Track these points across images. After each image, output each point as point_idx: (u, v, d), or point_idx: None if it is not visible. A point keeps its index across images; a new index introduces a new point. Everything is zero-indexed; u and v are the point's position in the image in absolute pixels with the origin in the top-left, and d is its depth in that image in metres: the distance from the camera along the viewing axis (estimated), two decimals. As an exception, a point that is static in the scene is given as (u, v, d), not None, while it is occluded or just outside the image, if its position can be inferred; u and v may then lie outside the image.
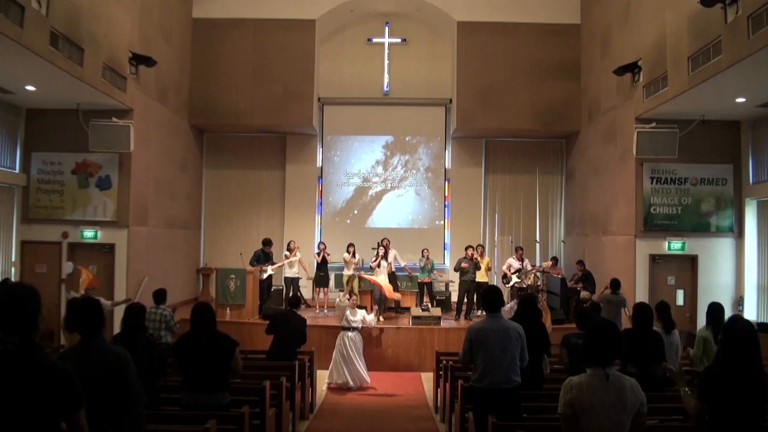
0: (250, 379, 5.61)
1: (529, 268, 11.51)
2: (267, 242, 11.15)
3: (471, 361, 4.53)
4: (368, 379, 8.54)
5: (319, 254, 11.68)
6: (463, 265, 10.81)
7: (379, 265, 10.77)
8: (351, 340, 8.43)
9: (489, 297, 4.62)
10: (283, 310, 7.65)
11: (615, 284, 8.73)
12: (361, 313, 8.59)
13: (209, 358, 4.39)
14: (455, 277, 11.69)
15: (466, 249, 10.97)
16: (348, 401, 8.01)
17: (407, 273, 11.71)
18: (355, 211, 14.10)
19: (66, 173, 10.02)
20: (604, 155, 11.43)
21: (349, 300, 8.65)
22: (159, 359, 4.79)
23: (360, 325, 8.54)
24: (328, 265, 11.67)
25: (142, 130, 10.20)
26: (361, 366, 8.45)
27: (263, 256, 10.93)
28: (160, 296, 7.24)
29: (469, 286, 10.81)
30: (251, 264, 10.73)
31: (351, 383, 8.36)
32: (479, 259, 11.17)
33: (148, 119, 10.65)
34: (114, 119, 9.32)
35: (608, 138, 11.20)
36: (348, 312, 8.46)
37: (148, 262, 10.74)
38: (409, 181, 14.11)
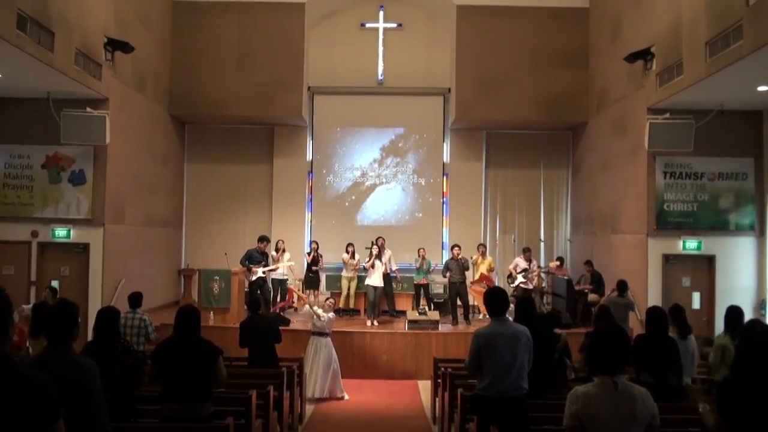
0: (235, 388, 5.55)
1: (535, 268, 11.50)
2: (263, 239, 11.07)
3: (479, 369, 4.51)
4: (340, 394, 8.37)
5: (309, 254, 11.62)
6: (444, 273, 10.84)
7: (373, 266, 10.72)
8: (316, 347, 8.31)
9: (494, 299, 4.60)
10: (247, 318, 7.52)
11: (622, 286, 8.70)
12: (324, 315, 8.35)
13: (191, 366, 4.36)
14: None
15: (452, 248, 10.99)
16: (340, 412, 7.97)
17: (396, 276, 11.63)
18: (348, 208, 14.06)
19: (36, 167, 9.91)
20: (613, 148, 11.43)
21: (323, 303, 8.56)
22: (135, 367, 4.74)
23: (327, 330, 8.39)
24: (323, 266, 11.62)
25: (118, 120, 10.11)
26: (328, 376, 8.23)
27: (258, 255, 10.85)
28: (136, 300, 7.16)
29: (458, 288, 10.79)
30: (241, 263, 10.67)
31: (317, 394, 8.18)
32: (480, 258, 11.16)
33: (125, 109, 10.57)
34: (88, 109, 9.24)
35: (618, 130, 11.19)
36: (314, 314, 8.36)
37: (126, 262, 10.67)
38: (405, 177, 14.09)
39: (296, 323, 10.40)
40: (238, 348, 8.77)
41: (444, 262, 11.06)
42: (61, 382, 2.84)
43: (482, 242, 12.39)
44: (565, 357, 5.92)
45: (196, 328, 4.51)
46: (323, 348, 8.32)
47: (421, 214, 14.05)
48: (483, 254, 11.48)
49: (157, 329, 7.35)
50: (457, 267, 10.80)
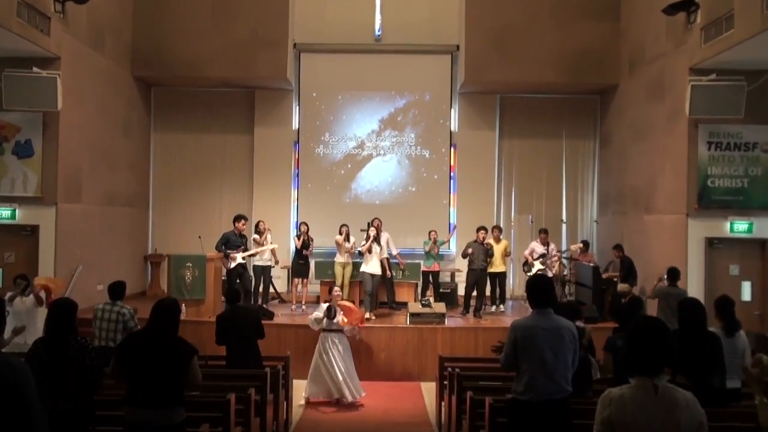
0: (211, 391, 5.57)
1: (554, 253, 11.47)
2: (239, 218, 11.03)
3: (514, 366, 4.53)
4: (360, 393, 8.51)
5: (299, 237, 11.53)
6: (469, 251, 10.94)
7: (370, 250, 10.68)
8: (332, 343, 8.37)
9: (537, 288, 4.60)
10: (224, 311, 7.54)
11: (673, 274, 8.69)
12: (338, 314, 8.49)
13: (162, 366, 4.36)
14: (463, 265, 11.67)
15: (478, 231, 10.99)
16: (331, 418, 8.00)
17: (399, 263, 11.64)
18: (340, 185, 14.01)
19: (-27, 137, 9.86)
20: (648, 115, 11.37)
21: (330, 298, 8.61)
22: (93, 368, 4.71)
23: (341, 326, 8.48)
24: (313, 252, 11.57)
25: (72, 83, 10.04)
26: (350, 374, 8.42)
27: (236, 239, 10.84)
28: (117, 290, 7.14)
29: (478, 276, 10.86)
30: (217, 248, 10.65)
31: (336, 395, 8.32)
32: (492, 243, 11.12)
33: (79, 70, 10.49)
34: (35, 69, 9.19)
35: (654, 93, 11.12)
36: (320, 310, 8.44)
37: (83, 247, 10.65)
38: (407, 148, 14.02)
39: (281, 317, 10.40)
40: (215, 345, 8.81)
41: (466, 245, 11.08)
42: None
43: (498, 224, 12.39)
44: (590, 354, 5.92)
45: (174, 326, 4.53)
46: (339, 345, 8.44)
47: (424, 192, 14.00)
48: (497, 238, 11.46)
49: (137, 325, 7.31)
50: (481, 252, 10.77)
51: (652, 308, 9.43)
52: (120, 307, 7.06)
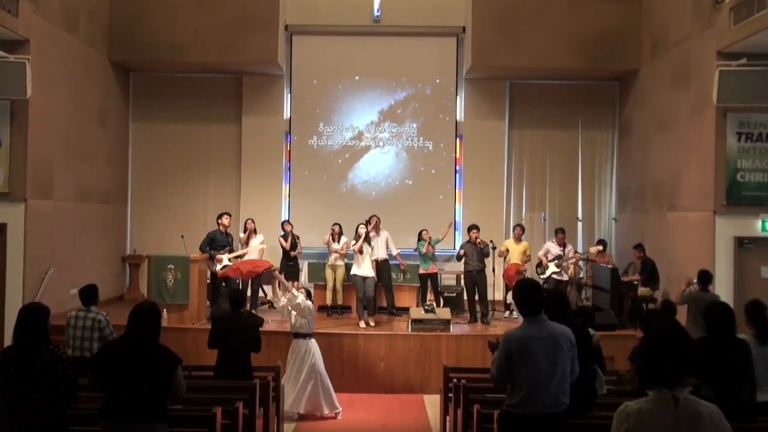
0: (196, 405, 5.57)
1: (571, 255, 11.47)
2: (222, 214, 11.13)
3: (508, 379, 4.53)
4: (330, 410, 8.40)
5: (285, 237, 11.58)
6: (461, 252, 11.03)
7: (361, 251, 10.68)
8: (297, 351, 8.33)
9: (527, 294, 4.60)
10: (224, 314, 7.56)
11: (705, 277, 8.63)
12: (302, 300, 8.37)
13: (143, 377, 4.36)
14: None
15: (469, 230, 11.09)
16: (327, 433, 7.99)
17: (399, 264, 11.68)
18: (336, 180, 14.02)
19: (-65, 127, 9.86)
20: (672, 103, 11.38)
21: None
22: (67, 380, 4.69)
23: (309, 327, 8.39)
24: (301, 252, 11.59)
25: (43, 68, 10.03)
26: (308, 386, 8.27)
27: (222, 238, 10.82)
28: (89, 295, 7.12)
29: (475, 278, 10.91)
30: (202, 249, 10.65)
31: (299, 409, 8.23)
32: (513, 243, 11.16)
33: (51, 54, 10.49)
34: (2, 54, 9.16)
35: (679, 79, 11.13)
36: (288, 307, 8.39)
37: (55, 247, 10.66)
38: (407, 140, 14.02)
39: (271, 323, 10.40)
40: (199, 354, 8.82)
41: (460, 246, 11.13)
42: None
43: (520, 222, 12.43)
44: (596, 365, 5.85)
45: (154, 332, 4.52)
46: (306, 352, 8.32)
47: (426, 187, 14.00)
48: (519, 237, 11.47)
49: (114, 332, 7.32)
50: (474, 252, 10.80)
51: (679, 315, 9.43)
52: (95, 313, 7.04)
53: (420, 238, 11.55)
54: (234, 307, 7.44)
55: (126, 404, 4.34)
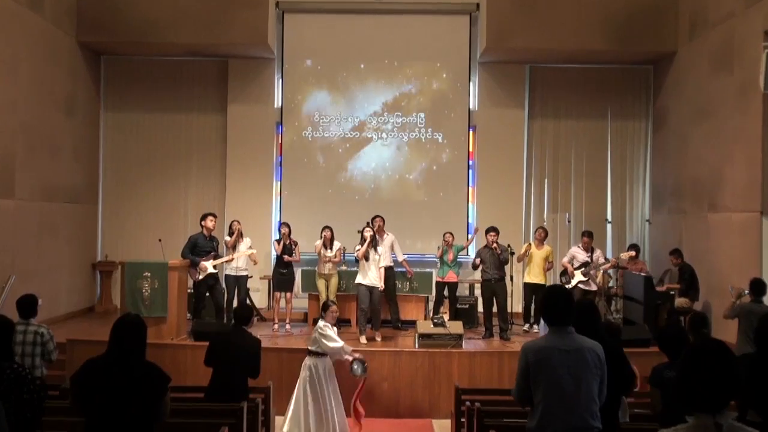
0: (178, 429, 5.57)
1: (601, 261, 11.39)
2: (206, 216, 11.09)
3: (527, 397, 4.50)
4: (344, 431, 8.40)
5: (279, 241, 11.48)
6: (477, 260, 11.04)
7: (366, 257, 10.56)
8: (315, 370, 8.25)
9: (552, 303, 4.56)
10: (224, 329, 7.53)
11: (758, 287, 8.51)
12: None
13: (129, 398, 4.32)
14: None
15: (487, 232, 11.03)
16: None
17: (406, 271, 11.65)
18: (333, 176, 14.06)
19: None
20: (713, 89, 11.39)
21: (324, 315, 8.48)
22: (34, 400, 4.73)
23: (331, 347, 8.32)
24: (299, 259, 11.52)
25: (2, 51, 10.14)
26: (330, 408, 8.20)
27: (206, 243, 10.84)
28: (27, 305, 7.09)
29: (493, 288, 10.88)
30: (183, 255, 10.66)
31: None
32: (536, 246, 11.16)
33: (11, 34, 10.54)
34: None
35: (721, 63, 11.15)
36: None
37: (16, 252, 10.69)
38: (414, 131, 14.05)
39: (261, 338, 10.28)
40: (179, 373, 8.82)
41: (477, 252, 11.12)
42: None
43: (542, 225, 12.46)
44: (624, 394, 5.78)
45: (141, 348, 4.53)
46: (321, 371, 8.21)
47: (437, 184, 14.01)
48: (541, 241, 11.42)
49: (59, 347, 7.29)
50: (492, 259, 10.72)
51: (724, 330, 9.37)
52: (36, 326, 7.01)
53: (444, 243, 11.52)
54: (238, 324, 7.41)
55: (108, 427, 4.31)
